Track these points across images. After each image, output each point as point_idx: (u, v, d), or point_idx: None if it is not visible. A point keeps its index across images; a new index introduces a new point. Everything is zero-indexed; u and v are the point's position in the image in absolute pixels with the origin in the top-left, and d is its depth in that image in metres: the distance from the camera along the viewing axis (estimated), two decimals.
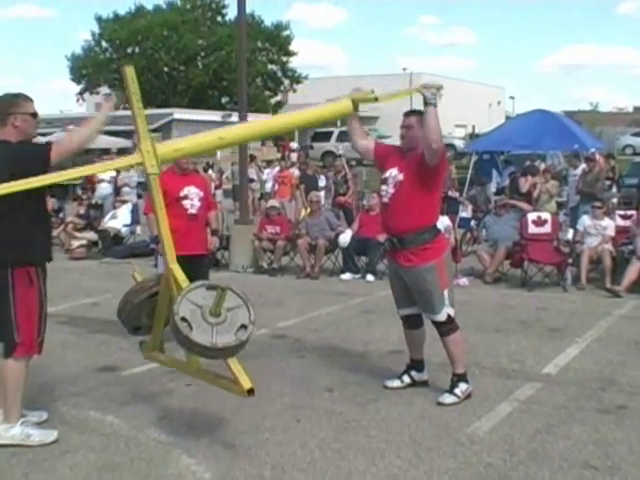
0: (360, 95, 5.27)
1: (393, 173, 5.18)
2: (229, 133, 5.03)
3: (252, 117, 23.76)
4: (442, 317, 5.14)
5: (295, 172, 17.38)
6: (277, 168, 20.76)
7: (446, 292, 5.13)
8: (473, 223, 12.79)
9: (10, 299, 4.29)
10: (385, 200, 5.24)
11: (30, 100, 4.44)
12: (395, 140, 6.01)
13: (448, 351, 5.26)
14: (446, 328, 5.19)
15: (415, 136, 5.12)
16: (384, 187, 5.24)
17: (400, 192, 5.10)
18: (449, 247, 5.60)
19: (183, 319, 4.03)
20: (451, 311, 5.18)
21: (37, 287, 4.38)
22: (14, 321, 4.31)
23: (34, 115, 4.44)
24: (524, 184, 13.40)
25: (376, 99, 5.08)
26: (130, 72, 4.43)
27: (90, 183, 18.10)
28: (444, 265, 5.17)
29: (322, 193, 14.97)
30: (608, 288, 9.15)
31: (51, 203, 13.68)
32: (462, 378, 5.23)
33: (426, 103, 4.93)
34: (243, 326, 4.15)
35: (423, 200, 5.08)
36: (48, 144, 4.36)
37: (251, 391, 4.05)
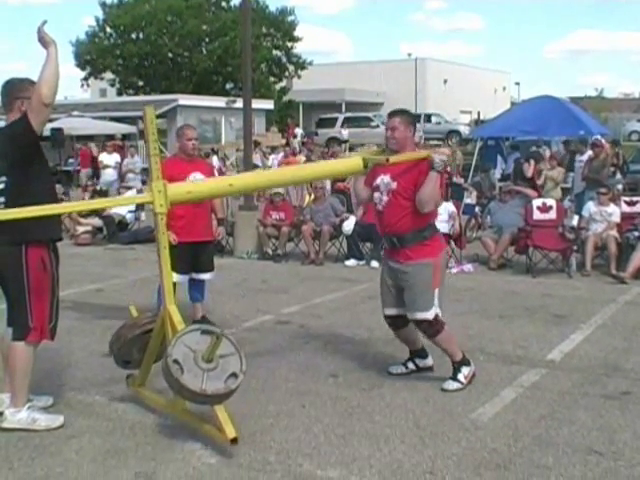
0: (371, 154, 5.33)
1: (385, 180, 5.13)
2: (239, 181, 5.15)
3: (256, 103, 23.83)
4: (430, 315, 5.08)
5: (302, 158, 17.37)
6: (282, 154, 20.74)
7: (437, 292, 5.11)
8: (477, 209, 12.77)
9: (24, 284, 4.31)
10: (380, 208, 5.20)
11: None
12: None
13: (441, 349, 5.27)
14: (433, 330, 5.14)
15: (402, 137, 5.11)
16: (377, 195, 5.20)
17: (395, 199, 5.08)
18: (445, 249, 5.61)
19: (175, 361, 4.05)
20: (439, 312, 5.15)
21: (50, 272, 4.40)
22: (28, 306, 4.33)
23: None
24: (528, 169, 13.36)
25: (387, 160, 5.05)
26: (150, 112, 4.41)
27: (95, 169, 18.15)
28: (440, 265, 5.18)
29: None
30: (613, 274, 9.14)
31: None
32: (462, 363, 5.23)
33: (432, 168, 4.93)
34: (234, 374, 4.17)
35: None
36: (24, 113, 4.23)
37: (234, 440, 4.05)
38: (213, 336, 4.15)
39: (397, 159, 5.08)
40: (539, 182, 13.19)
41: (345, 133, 33.85)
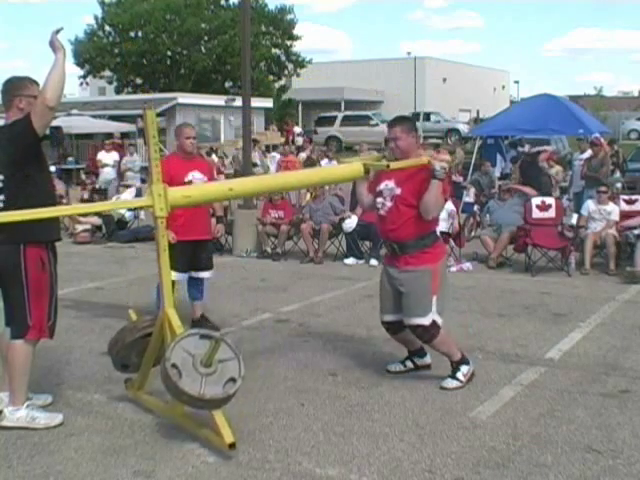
0: (372, 160, 5.33)
1: (389, 185, 5.13)
2: (239, 185, 5.12)
3: (256, 101, 23.81)
4: (427, 321, 5.06)
5: (303, 156, 17.37)
6: (278, 156, 20.73)
7: (435, 299, 5.08)
8: (476, 208, 12.76)
9: (23, 282, 4.31)
10: (382, 213, 5.19)
11: (35, 83, 4.44)
12: None
13: (439, 352, 5.26)
14: (428, 335, 5.13)
15: (404, 146, 5.10)
16: (380, 200, 5.19)
17: (398, 205, 5.08)
18: (446, 256, 5.61)
19: (174, 366, 4.04)
20: (438, 318, 5.12)
21: (49, 271, 4.40)
22: (27, 305, 4.33)
23: None
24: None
25: (388, 166, 5.04)
26: (151, 115, 4.40)
27: (94, 168, 18.16)
28: (439, 272, 5.14)
29: None
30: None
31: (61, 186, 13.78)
32: (461, 362, 5.23)
33: (434, 176, 4.92)
34: (232, 379, 4.16)
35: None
36: (27, 114, 4.25)
37: (232, 445, 4.04)
38: (212, 340, 4.13)
39: (398, 165, 5.07)
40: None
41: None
